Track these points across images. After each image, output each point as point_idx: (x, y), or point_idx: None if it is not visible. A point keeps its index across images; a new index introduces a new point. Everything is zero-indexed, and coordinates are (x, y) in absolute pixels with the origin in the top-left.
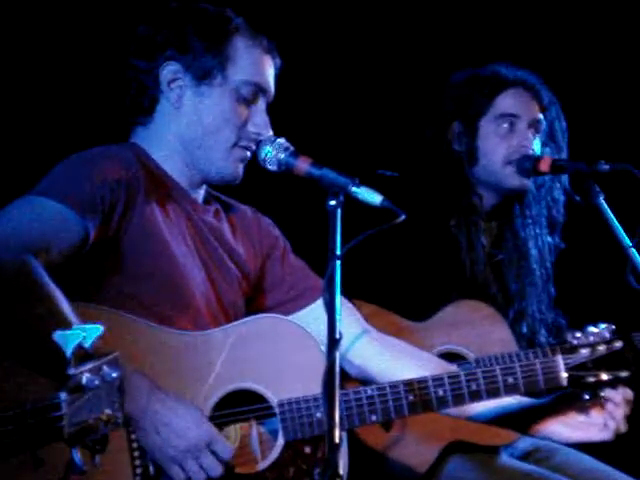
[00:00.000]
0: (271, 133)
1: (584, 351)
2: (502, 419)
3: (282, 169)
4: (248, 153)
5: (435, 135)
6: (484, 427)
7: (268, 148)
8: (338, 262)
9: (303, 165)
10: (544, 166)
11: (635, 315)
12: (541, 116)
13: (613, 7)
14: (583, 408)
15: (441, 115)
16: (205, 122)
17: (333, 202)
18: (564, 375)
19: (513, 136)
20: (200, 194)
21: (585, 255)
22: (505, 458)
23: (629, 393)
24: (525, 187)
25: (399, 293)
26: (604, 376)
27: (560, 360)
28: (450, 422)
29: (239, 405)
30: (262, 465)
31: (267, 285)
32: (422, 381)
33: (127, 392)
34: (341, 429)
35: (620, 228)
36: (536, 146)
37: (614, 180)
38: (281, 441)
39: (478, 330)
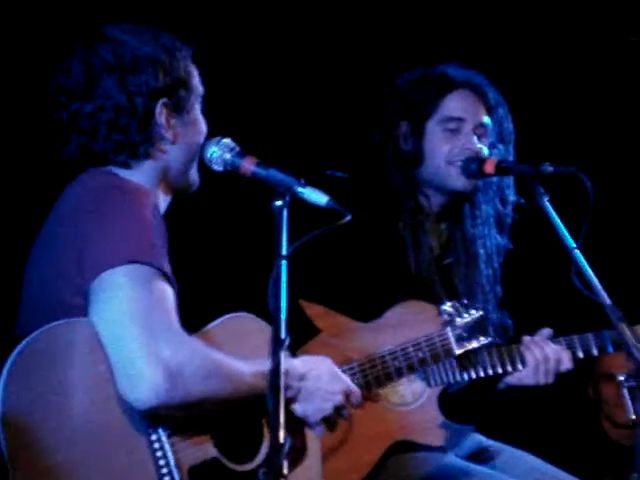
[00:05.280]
0: None
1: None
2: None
3: (228, 169)
4: None
5: (383, 134)
6: (431, 427)
7: (214, 148)
8: (284, 262)
9: (249, 165)
10: (489, 168)
11: (579, 316)
12: (487, 119)
13: (557, 8)
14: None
15: (389, 114)
16: (192, 145)
17: (279, 202)
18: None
19: (458, 138)
20: None
21: (530, 256)
22: (451, 457)
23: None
24: (469, 188)
25: (346, 294)
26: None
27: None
28: (398, 422)
29: None
30: None
31: None
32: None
33: None
34: None
35: (564, 229)
36: (482, 148)
37: (559, 181)
38: None
39: (424, 330)
